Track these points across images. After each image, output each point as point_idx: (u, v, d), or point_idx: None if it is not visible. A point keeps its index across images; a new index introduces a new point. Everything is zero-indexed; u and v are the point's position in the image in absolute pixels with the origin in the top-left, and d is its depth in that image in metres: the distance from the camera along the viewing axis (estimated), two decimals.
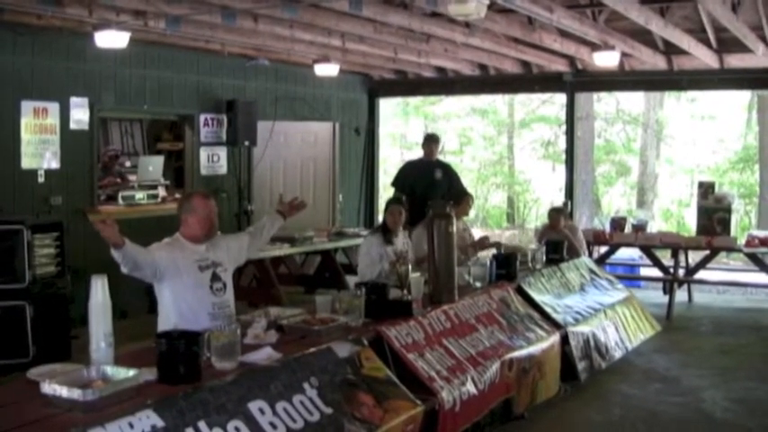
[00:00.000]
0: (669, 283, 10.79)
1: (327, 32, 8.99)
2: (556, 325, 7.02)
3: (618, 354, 7.76)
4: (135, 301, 8.56)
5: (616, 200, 22.51)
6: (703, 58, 10.31)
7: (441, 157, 11.16)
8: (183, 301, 4.91)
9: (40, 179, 8.79)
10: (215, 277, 5.07)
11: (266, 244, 6.17)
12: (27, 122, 8.65)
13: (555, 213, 9.84)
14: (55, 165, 8.92)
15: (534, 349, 6.40)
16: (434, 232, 6.07)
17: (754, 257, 10.68)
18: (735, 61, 10.76)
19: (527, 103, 22.21)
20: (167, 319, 4.89)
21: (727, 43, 10.40)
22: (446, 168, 10.83)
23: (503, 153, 23.57)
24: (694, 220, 11.43)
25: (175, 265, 4.91)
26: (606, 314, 7.93)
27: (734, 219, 11.61)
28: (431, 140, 10.91)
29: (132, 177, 10.70)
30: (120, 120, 11.71)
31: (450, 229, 6.09)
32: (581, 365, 7.10)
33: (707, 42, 10.35)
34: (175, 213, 5.30)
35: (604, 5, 8.31)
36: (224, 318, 4.95)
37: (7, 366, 6.68)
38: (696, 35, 9.99)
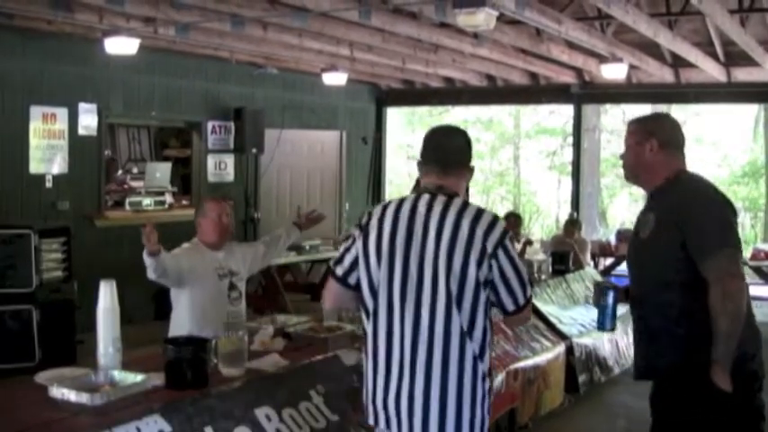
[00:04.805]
0: None
1: (336, 41, 9.02)
2: (561, 336, 7.02)
3: (617, 369, 7.77)
4: (140, 307, 8.60)
5: (621, 212, 22.49)
6: (711, 71, 10.32)
7: None
8: (200, 309, 4.88)
9: (48, 184, 8.82)
10: (232, 286, 5.05)
11: (281, 255, 6.09)
12: (36, 127, 8.69)
13: (570, 225, 10.44)
14: (63, 170, 8.95)
15: (540, 359, 6.41)
16: None
17: (759, 271, 10.67)
18: (742, 75, 10.77)
19: (532, 114, 22.23)
20: (181, 326, 4.88)
21: (734, 57, 10.42)
22: None
23: (508, 164, 23.58)
24: None
25: (196, 272, 4.89)
26: None
27: (739, 232, 11.58)
28: None
29: (135, 183, 10.73)
30: (127, 126, 11.75)
31: None
32: (582, 378, 7.11)
33: (714, 56, 10.37)
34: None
35: (613, 18, 8.33)
36: (240, 327, 4.95)
37: (13, 370, 6.69)
38: (704, 48, 10.02)
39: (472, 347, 3.01)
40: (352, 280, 3.19)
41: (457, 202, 3.09)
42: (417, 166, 3.29)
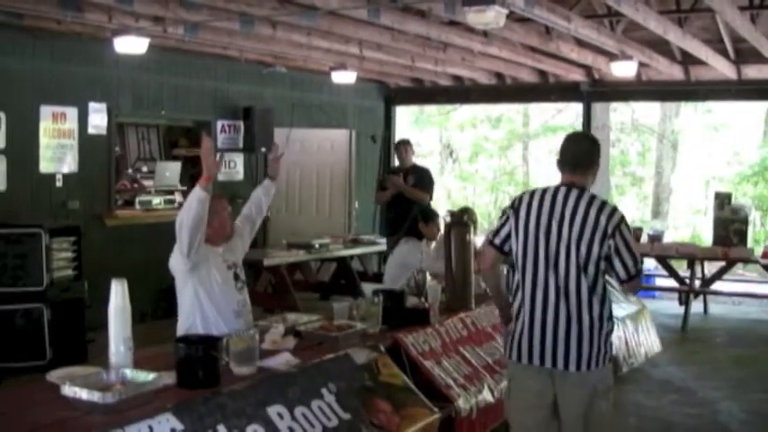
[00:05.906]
0: (685, 294, 10.75)
1: (345, 40, 9.01)
2: None
3: (624, 368, 7.73)
4: (151, 306, 8.61)
5: (630, 210, 22.43)
6: (721, 68, 10.29)
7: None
8: (209, 299, 4.83)
9: (58, 183, 8.83)
10: (236, 276, 5.07)
11: (266, 213, 5.87)
12: (46, 127, 8.70)
13: None
14: (73, 169, 8.96)
15: None
16: (451, 241, 6.07)
17: None
18: (752, 72, 10.73)
19: (540, 112, 22.17)
20: (191, 318, 4.85)
21: (744, 54, 10.38)
22: (421, 174, 9.94)
23: (517, 162, 23.54)
24: (709, 231, 11.38)
25: (207, 258, 4.87)
26: (618, 327, 7.89)
27: (750, 230, 11.56)
28: (400, 145, 10.28)
29: (145, 183, 10.75)
30: (136, 125, 11.75)
31: (466, 238, 6.08)
32: None
33: (725, 53, 10.33)
34: None
35: (622, 15, 8.32)
36: (246, 315, 4.96)
37: (24, 368, 6.73)
38: (714, 45, 9.98)
39: (597, 299, 4.00)
40: (506, 248, 4.23)
41: (586, 195, 4.06)
42: (557, 165, 4.22)
